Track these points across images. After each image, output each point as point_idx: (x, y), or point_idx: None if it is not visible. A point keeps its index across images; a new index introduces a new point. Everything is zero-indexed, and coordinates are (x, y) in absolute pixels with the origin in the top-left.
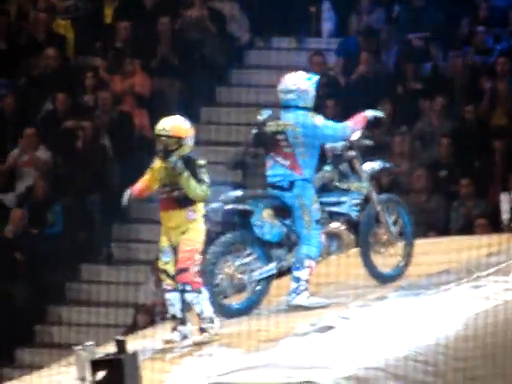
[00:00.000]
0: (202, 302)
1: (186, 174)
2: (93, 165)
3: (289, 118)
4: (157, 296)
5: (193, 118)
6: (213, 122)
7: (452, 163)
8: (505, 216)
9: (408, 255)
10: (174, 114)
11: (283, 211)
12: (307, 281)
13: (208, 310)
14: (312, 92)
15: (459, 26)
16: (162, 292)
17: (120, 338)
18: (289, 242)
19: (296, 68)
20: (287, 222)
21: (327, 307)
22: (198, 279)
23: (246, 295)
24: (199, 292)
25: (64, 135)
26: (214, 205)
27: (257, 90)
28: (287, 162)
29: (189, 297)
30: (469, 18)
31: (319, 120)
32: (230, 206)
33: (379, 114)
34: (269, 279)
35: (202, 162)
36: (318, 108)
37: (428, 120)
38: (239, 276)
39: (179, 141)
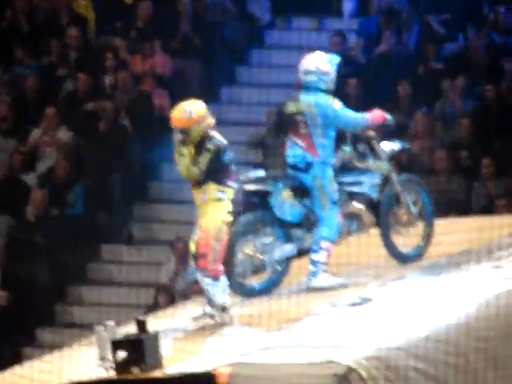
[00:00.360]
0: (216, 289)
1: (181, 147)
2: (113, 145)
3: (308, 100)
4: (177, 276)
5: (213, 97)
6: (233, 101)
7: (472, 143)
8: None
9: (428, 235)
10: (194, 95)
11: (302, 192)
12: (325, 262)
13: (221, 299)
14: (332, 74)
15: (480, 5)
16: (182, 272)
17: (141, 318)
18: (308, 223)
19: (316, 48)
20: (306, 202)
21: (347, 287)
22: (216, 266)
23: (266, 275)
24: (216, 279)
25: (85, 116)
26: (234, 185)
27: (277, 70)
28: (304, 143)
29: (206, 281)
30: None
31: (338, 104)
32: (249, 187)
33: (392, 122)
34: (289, 259)
35: (211, 146)
36: (339, 87)
37: (449, 100)
38: (259, 256)
39: (184, 130)
